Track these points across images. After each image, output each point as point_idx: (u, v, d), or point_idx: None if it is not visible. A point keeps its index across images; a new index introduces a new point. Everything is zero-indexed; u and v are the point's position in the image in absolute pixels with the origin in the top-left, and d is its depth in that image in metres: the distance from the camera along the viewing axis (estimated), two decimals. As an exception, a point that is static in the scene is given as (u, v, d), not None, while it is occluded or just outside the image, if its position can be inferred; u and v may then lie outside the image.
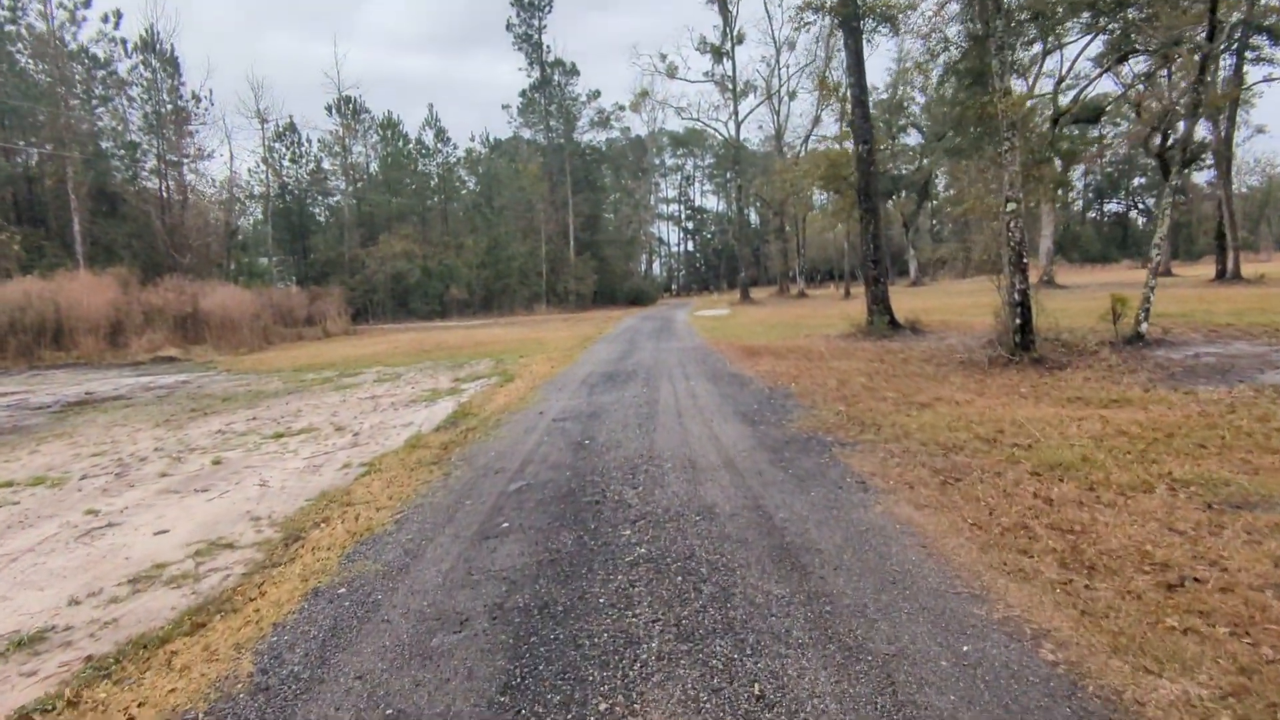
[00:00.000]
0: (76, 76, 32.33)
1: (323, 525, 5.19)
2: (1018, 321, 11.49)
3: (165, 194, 33.45)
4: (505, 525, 4.79)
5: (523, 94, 55.56)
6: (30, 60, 31.34)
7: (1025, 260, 11.48)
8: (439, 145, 54.35)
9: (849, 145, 24.15)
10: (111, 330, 23.68)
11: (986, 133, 13.05)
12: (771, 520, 4.52)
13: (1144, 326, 11.87)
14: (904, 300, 35.51)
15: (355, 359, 20.42)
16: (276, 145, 48.02)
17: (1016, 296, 11.44)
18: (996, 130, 11.83)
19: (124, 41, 33.57)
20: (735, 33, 47.59)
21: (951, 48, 13.55)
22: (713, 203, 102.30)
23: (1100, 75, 34.87)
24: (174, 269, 30.67)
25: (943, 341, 15.38)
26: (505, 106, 57.38)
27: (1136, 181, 74.39)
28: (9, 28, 31.36)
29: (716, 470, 5.83)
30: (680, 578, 3.75)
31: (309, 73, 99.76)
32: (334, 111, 49.31)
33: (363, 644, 3.29)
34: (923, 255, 64.44)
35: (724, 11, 46.76)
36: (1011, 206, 11.26)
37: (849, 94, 17.57)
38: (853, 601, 3.37)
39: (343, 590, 3.93)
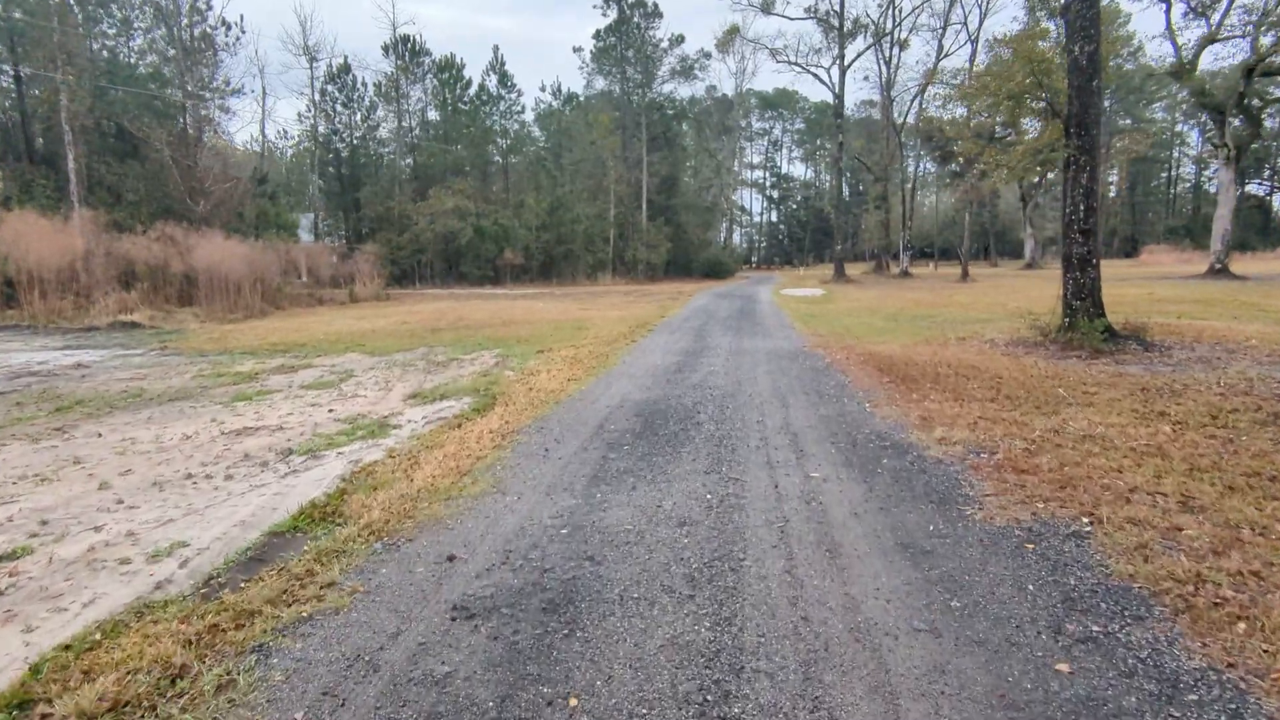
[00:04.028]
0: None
1: None
2: None
3: (184, 129, 29.36)
4: None
5: (597, 35, 49.43)
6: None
7: None
8: (503, 92, 48.94)
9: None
10: (75, 287, 19.59)
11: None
12: None
13: None
14: (1031, 287, 28.51)
15: (339, 336, 15.66)
16: (329, 88, 43.76)
17: None
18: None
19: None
20: (846, -39, 40.38)
21: None
22: (800, 170, 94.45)
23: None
24: (187, 217, 26.65)
25: (1213, 368, 9.20)
26: (577, 50, 51.55)
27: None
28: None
29: None
30: None
31: (369, 14, 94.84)
32: (389, 52, 44.64)
33: None
34: (1041, 234, 55.75)
35: (834, -66, 39.60)
36: None
37: (1062, -34, 11.26)
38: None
39: None
